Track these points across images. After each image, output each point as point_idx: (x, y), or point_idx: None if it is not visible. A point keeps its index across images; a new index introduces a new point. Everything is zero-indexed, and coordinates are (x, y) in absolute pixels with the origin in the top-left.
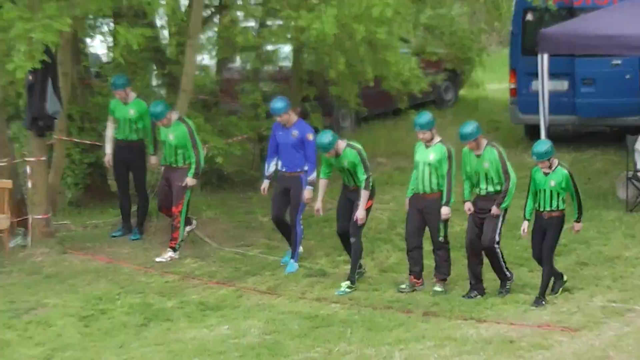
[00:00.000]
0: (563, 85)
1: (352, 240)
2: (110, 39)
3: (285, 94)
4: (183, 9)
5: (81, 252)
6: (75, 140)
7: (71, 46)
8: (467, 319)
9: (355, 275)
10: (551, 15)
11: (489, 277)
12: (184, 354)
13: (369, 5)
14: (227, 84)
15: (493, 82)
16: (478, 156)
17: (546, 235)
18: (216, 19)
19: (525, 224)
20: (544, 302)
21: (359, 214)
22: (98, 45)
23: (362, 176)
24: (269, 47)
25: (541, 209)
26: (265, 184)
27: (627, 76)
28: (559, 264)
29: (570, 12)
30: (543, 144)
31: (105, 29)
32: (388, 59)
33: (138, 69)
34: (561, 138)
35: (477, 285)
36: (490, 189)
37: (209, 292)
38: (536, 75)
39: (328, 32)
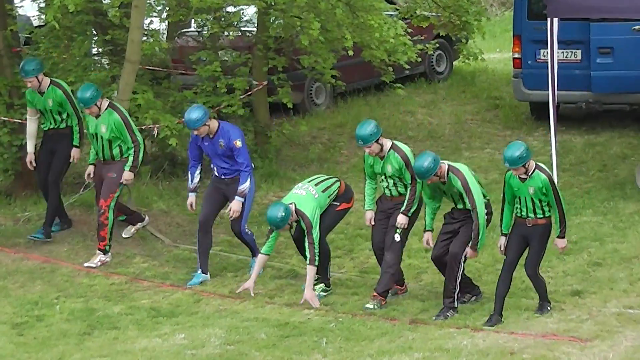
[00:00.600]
0: (576, 55)
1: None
2: (42, 0)
3: (249, 65)
4: None
5: (13, 250)
6: (3, 118)
7: None
8: (461, 327)
9: (328, 275)
10: None
11: (487, 279)
12: None
13: None
14: (181, 53)
15: (493, 52)
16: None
17: (530, 247)
18: None
19: (503, 240)
20: (549, 308)
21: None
22: (28, 6)
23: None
24: (230, 9)
25: (523, 216)
26: (191, 198)
27: None
28: (569, 264)
29: None
30: (516, 147)
31: None
32: (370, 22)
33: (75, 35)
34: (573, 117)
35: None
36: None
37: (162, 296)
38: (544, 43)
39: None
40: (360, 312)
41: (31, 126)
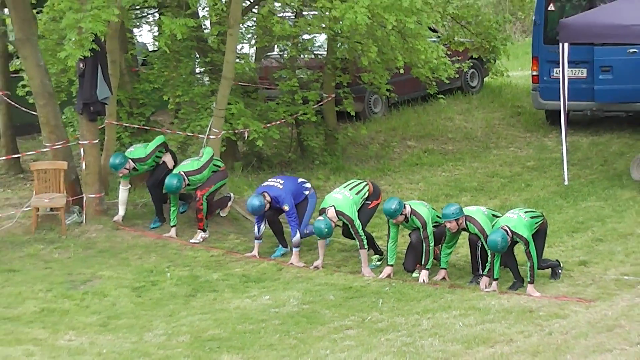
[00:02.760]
0: (582, 72)
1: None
2: (155, 29)
3: (320, 81)
4: (223, 0)
5: (132, 229)
6: (125, 124)
7: (119, 35)
8: (490, 292)
9: (379, 249)
10: (572, 6)
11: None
12: (229, 321)
13: None
14: (266, 72)
15: (516, 70)
16: None
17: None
18: (255, 9)
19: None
20: (560, 273)
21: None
22: (144, 35)
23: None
24: (305, 36)
25: None
26: (257, 247)
27: None
28: (577, 240)
29: (590, 3)
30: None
31: (150, 19)
32: (417, 47)
33: (182, 57)
34: (580, 122)
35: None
36: None
37: (251, 266)
38: (557, 63)
39: (360, 22)
40: (409, 278)
41: (123, 195)
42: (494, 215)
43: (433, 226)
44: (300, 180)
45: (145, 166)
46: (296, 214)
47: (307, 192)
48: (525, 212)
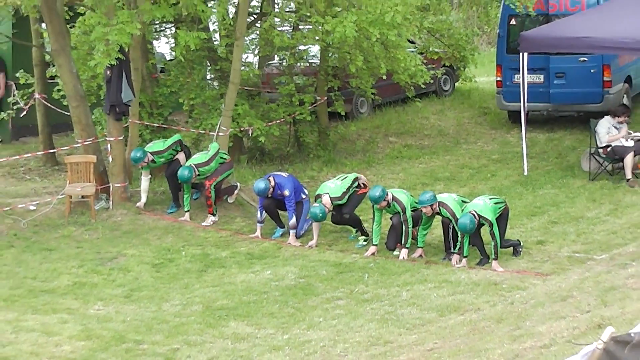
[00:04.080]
0: (539, 78)
1: (346, 216)
2: (172, 41)
3: (314, 85)
4: (231, 15)
5: (152, 213)
6: (146, 123)
7: (141, 46)
8: (460, 267)
9: (365, 230)
10: (531, 21)
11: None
12: (235, 293)
13: (382, 13)
14: (267, 77)
15: (483, 76)
16: None
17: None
18: (258, 24)
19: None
20: (520, 251)
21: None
22: (163, 46)
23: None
24: (301, 47)
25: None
26: (259, 229)
27: (592, 70)
28: (535, 222)
29: (546, 18)
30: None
31: (168, 32)
32: (398, 56)
33: (195, 65)
34: (537, 121)
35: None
36: None
37: (255, 245)
38: (518, 70)
39: (349, 35)
40: (391, 256)
41: (145, 184)
42: (463, 201)
43: (411, 211)
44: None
45: (163, 159)
46: (294, 201)
47: (304, 196)
48: (490, 198)
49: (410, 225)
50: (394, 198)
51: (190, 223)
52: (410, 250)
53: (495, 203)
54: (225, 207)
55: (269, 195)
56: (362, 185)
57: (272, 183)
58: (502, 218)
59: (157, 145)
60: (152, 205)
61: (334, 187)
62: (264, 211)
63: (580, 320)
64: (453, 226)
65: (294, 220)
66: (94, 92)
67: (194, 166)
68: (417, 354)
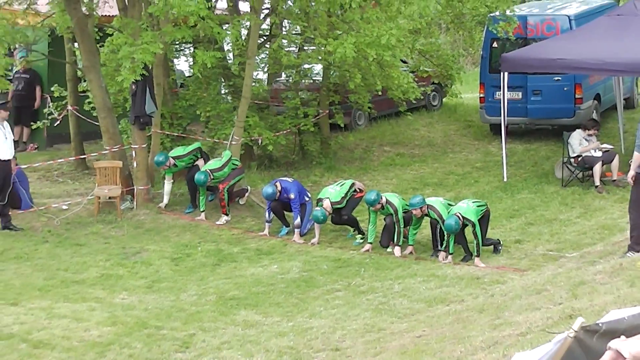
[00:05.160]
0: (518, 95)
1: (344, 217)
2: (191, 59)
3: (317, 100)
4: (243, 37)
5: (172, 213)
6: (167, 132)
7: (163, 64)
8: (446, 263)
9: (362, 230)
10: (511, 44)
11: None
12: (245, 285)
13: (378, 35)
14: (275, 92)
15: (467, 93)
16: None
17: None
18: (267, 45)
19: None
20: (500, 249)
21: None
22: (182, 64)
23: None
24: (306, 66)
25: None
26: (267, 228)
27: (565, 88)
28: (513, 223)
29: (525, 41)
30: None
31: (187, 51)
32: (392, 74)
33: (211, 81)
34: (516, 133)
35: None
36: None
37: (263, 242)
38: (499, 87)
39: (348, 55)
40: (384, 253)
41: (167, 186)
42: (449, 204)
43: (403, 212)
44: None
45: (183, 163)
46: (299, 203)
47: (307, 199)
48: (473, 201)
49: (402, 226)
50: (387, 201)
51: (205, 222)
52: (402, 247)
53: (478, 206)
54: (237, 208)
55: (277, 199)
56: (359, 190)
57: (279, 188)
58: (484, 219)
59: (178, 150)
60: (172, 205)
61: (333, 192)
62: (271, 212)
63: (554, 311)
64: (440, 227)
65: (298, 220)
66: (121, 105)
67: (209, 171)
68: (408, 340)
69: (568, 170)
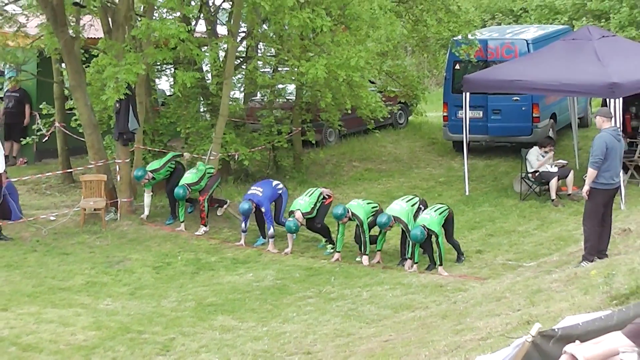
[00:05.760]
0: (479, 113)
1: (318, 225)
2: (171, 79)
3: (290, 118)
4: (221, 59)
5: (153, 224)
6: (149, 148)
7: (145, 83)
8: (412, 271)
9: (333, 240)
10: (472, 66)
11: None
12: (223, 292)
13: (348, 58)
14: (251, 111)
15: (432, 112)
16: None
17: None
18: (244, 66)
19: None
20: (462, 259)
21: None
22: (163, 83)
23: None
24: (280, 86)
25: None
26: (244, 238)
27: (523, 108)
28: (474, 235)
29: (485, 64)
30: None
31: (168, 72)
32: (361, 94)
33: (190, 100)
34: (477, 150)
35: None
36: None
37: (240, 251)
38: (461, 107)
39: (320, 76)
40: (354, 262)
41: (147, 199)
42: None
43: (371, 215)
44: (274, 183)
45: (161, 175)
46: (271, 214)
47: (280, 191)
48: (436, 210)
49: (367, 234)
50: (352, 214)
51: (185, 232)
52: (369, 256)
53: (440, 213)
54: (215, 220)
55: (253, 211)
56: (327, 196)
57: (254, 204)
58: (448, 221)
59: (154, 164)
60: (153, 217)
61: (303, 203)
62: (247, 223)
63: (512, 317)
64: (406, 235)
65: (272, 230)
66: (105, 122)
67: (187, 185)
68: (375, 344)
69: (526, 184)
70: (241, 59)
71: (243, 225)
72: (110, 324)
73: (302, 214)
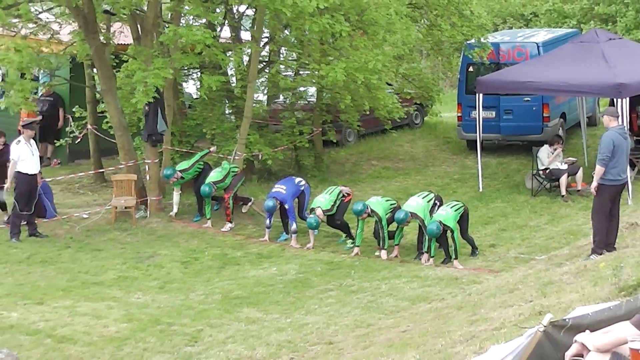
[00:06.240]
0: (492, 114)
1: (337, 222)
2: (198, 83)
3: (311, 119)
4: (245, 63)
5: (181, 221)
6: (176, 149)
7: (173, 87)
8: (428, 265)
9: (352, 235)
10: (485, 68)
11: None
12: (248, 285)
13: (366, 61)
14: (274, 112)
15: (446, 112)
16: None
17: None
18: (267, 70)
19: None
20: (477, 253)
21: None
22: (190, 87)
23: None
24: (301, 88)
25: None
26: (268, 234)
27: (534, 108)
28: (488, 229)
29: (497, 66)
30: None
31: (195, 76)
32: (378, 96)
33: (216, 102)
34: (490, 148)
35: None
36: None
37: (264, 246)
38: (474, 107)
39: (339, 79)
40: (373, 256)
41: (176, 197)
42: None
43: (389, 211)
44: (296, 180)
45: (189, 175)
46: (294, 210)
47: (302, 188)
48: (452, 207)
49: (386, 229)
50: (372, 210)
51: (211, 229)
52: (388, 251)
53: (456, 210)
54: (240, 217)
55: (278, 208)
56: (346, 194)
57: (278, 201)
58: (463, 218)
59: (183, 164)
60: (181, 214)
61: (324, 201)
62: (271, 219)
63: (525, 308)
64: (423, 232)
65: (294, 226)
66: (135, 124)
67: (212, 183)
68: (394, 334)
69: (537, 181)
70: (264, 63)
71: (268, 221)
72: (140, 317)
73: (323, 211)
